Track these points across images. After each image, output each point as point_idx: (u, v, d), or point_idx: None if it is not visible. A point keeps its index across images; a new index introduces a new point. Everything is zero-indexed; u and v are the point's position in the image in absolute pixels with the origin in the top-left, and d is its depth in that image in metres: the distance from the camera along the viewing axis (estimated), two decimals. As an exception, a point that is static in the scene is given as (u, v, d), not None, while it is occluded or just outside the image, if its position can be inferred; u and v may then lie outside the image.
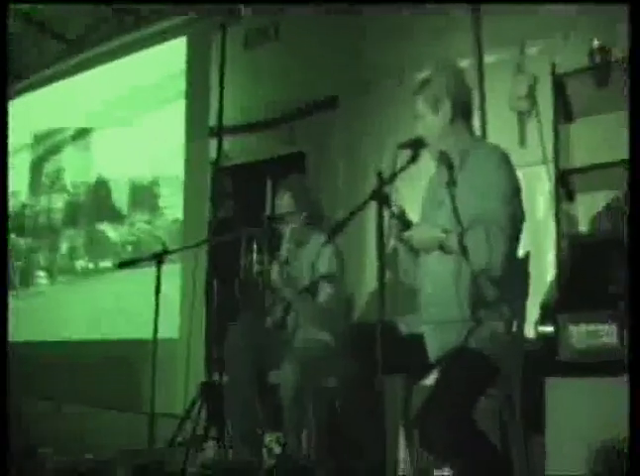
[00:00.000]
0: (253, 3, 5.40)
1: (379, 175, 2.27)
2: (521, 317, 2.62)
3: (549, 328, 2.97)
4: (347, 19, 5.17)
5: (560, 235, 3.43)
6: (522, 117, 4.26)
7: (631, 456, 1.99)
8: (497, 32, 4.49)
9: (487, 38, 4.55)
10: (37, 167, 6.31)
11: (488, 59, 4.54)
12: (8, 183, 4.74)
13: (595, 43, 3.78)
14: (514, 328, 2.57)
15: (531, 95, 4.21)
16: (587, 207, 3.79)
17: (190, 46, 5.27)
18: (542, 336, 2.97)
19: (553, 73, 3.74)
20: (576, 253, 3.23)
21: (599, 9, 3.94)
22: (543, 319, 3.00)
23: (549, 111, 3.89)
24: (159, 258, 3.38)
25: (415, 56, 4.67)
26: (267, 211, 4.30)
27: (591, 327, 2.89)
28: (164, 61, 5.40)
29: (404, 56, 4.81)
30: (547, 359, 2.89)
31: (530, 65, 4.28)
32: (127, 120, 5.51)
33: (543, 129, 4.08)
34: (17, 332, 5.82)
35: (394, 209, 2.48)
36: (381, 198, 2.24)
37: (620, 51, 3.71)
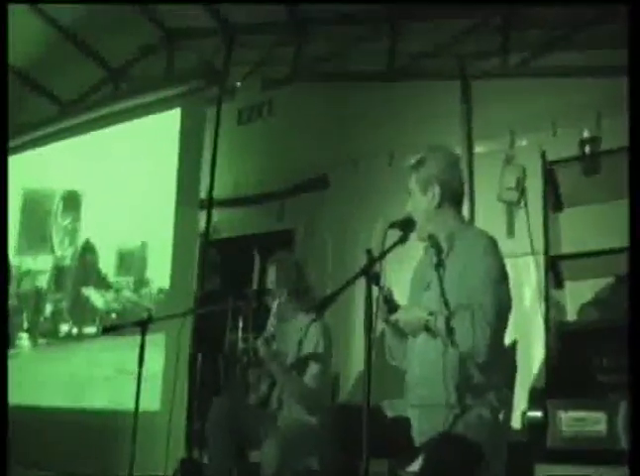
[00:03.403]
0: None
1: (369, 252, 2.27)
2: (508, 406, 2.60)
3: (538, 413, 2.95)
4: (339, 100, 5.30)
5: (548, 321, 3.44)
6: (511, 208, 4.32)
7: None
8: (487, 123, 4.60)
9: (477, 128, 4.66)
10: (25, 227, 6.28)
11: (478, 149, 4.64)
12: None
13: (585, 133, 3.87)
14: (501, 417, 2.54)
15: (520, 187, 4.28)
16: (576, 295, 3.82)
17: (184, 117, 5.31)
18: (530, 422, 2.95)
19: (543, 162, 3.80)
20: (564, 340, 3.24)
21: (589, 103, 4.08)
22: (532, 405, 2.99)
23: (538, 203, 3.95)
24: (143, 325, 3.32)
25: (404, 141, 4.77)
26: (254, 287, 4.29)
27: (580, 414, 2.88)
28: (158, 131, 5.45)
29: (393, 140, 4.92)
30: (535, 446, 2.87)
31: (519, 157, 4.37)
32: (117, 186, 5.52)
33: (531, 220, 4.13)
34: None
35: (382, 292, 2.48)
36: (370, 276, 2.24)
37: (608, 143, 3.82)
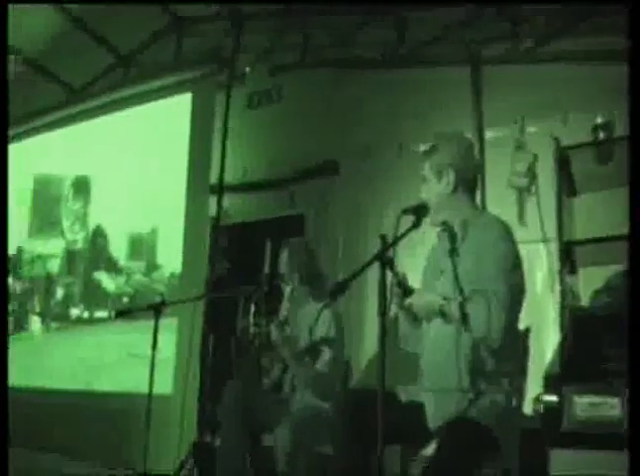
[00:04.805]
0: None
1: (383, 237, 2.27)
2: (520, 393, 2.61)
3: (553, 398, 2.96)
4: (349, 88, 5.28)
5: (563, 307, 3.45)
6: (521, 194, 4.31)
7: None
8: (497, 109, 4.58)
9: (487, 115, 4.64)
10: (35, 212, 6.31)
11: (488, 135, 4.62)
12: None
13: (599, 119, 3.85)
14: (514, 402, 2.55)
15: (530, 173, 4.27)
16: (589, 281, 3.82)
17: (195, 102, 5.32)
18: (545, 407, 2.96)
19: (557, 147, 3.79)
20: (578, 326, 3.24)
21: (600, 89, 4.06)
22: (546, 390, 3.00)
23: (548, 189, 3.93)
24: (157, 309, 3.36)
25: (415, 129, 4.76)
26: (266, 271, 4.30)
27: (595, 399, 2.89)
28: (169, 116, 5.46)
29: (403, 127, 4.91)
30: (550, 431, 2.87)
31: (530, 143, 4.36)
32: (128, 171, 5.53)
33: (542, 207, 4.13)
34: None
35: (396, 277, 2.48)
36: (385, 261, 2.23)
37: (622, 128, 3.80)
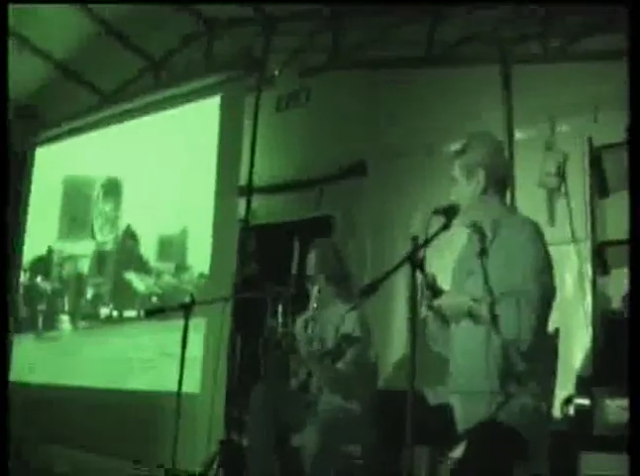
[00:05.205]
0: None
1: (414, 239, 2.25)
2: (550, 396, 2.59)
3: (584, 401, 2.92)
4: (378, 89, 5.27)
5: (596, 308, 3.41)
6: (551, 195, 4.27)
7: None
8: (527, 109, 4.54)
9: (517, 114, 4.60)
10: (66, 213, 6.39)
11: (518, 135, 4.58)
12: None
13: (633, 117, 3.80)
14: (543, 405, 2.52)
15: (560, 173, 4.23)
16: (620, 283, 3.76)
17: (224, 105, 5.34)
18: (577, 409, 2.92)
19: (590, 147, 3.74)
20: (609, 328, 3.20)
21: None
22: (578, 392, 2.96)
23: (579, 189, 3.89)
24: (187, 308, 3.38)
25: (443, 128, 4.74)
26: (293, 272, 4.30)
27: (627, 402, 2.85)
28: (198, 119, 5.49)
29: (432, 127, 4.88)
30: (581, 433, 2.84)
31: (560, 143, 4.32)
32: (158, 173, 5.58)
33: (572, 207, 4.09)
34: (35, 374, 5.87)
35: (426, 278, 2.47)
36: (416, 263, 2.21)
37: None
